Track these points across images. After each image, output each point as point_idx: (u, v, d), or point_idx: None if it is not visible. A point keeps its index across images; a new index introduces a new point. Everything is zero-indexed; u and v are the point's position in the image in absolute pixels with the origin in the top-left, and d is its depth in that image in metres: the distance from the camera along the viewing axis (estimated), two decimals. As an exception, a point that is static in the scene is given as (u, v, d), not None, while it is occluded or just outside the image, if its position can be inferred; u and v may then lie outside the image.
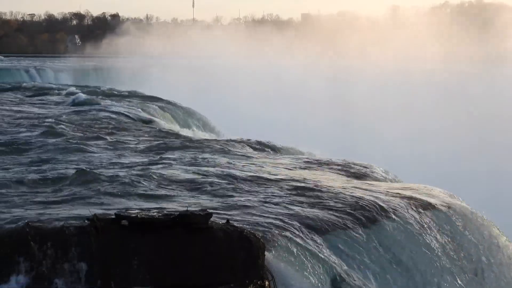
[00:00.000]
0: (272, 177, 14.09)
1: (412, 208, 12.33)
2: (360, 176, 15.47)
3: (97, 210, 10.18)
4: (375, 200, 12.39)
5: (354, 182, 14.21)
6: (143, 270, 8.76)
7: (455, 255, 11.94)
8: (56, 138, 18.10)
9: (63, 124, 21.25)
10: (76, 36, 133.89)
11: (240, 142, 19.68)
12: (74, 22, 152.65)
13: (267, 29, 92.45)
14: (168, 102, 33.19)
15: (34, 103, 29.47)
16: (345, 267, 10.24)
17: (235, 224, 9.68)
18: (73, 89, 37.51)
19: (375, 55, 64.62)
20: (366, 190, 13.13)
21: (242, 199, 12.06)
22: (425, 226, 12.04)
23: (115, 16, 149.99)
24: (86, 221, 9.14)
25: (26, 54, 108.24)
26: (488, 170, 38.85)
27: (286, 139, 21.75)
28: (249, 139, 20.31)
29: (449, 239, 12.12)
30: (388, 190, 13.30)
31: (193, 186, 12.83)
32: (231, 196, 12.26)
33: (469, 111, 50.17)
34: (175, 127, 26.82)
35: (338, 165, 16.27)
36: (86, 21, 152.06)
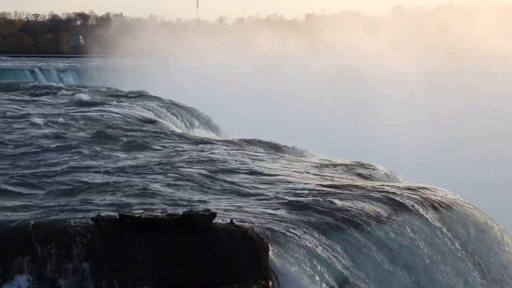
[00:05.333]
0: (278, 178, 14.10)
1: (419, 208, 12.32)
2: (364, 176, 15.47)
3: (101, 210, 10.20)
4: (381, 200, 12.40)
5: (358, 183, 14.21)
6: (146, 270, 8.78)
7: (462, 254, 11.94)
8: (59, 138, 18.12)
9: (66, 125, 21.27)
10: (80, 36, 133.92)
11: (244, 141, 19.69)
12: (78, 22, 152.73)
13: (270, 28, 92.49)
14: (172, 102, 33.17)
15: (38, 104, 29.48)
16: (351, 268, 10.24)
17: (239, 224, 9.69)
18: (77, 89, 37.53)
19: (377, 54, 64.53)
20: (370, 190, 13.13)
21: (247, 199, 12.07)
22: (433, 225, 12.04)
23: (119, 16, 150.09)
24: (90, 221, 9.17)
25: (30, 54, 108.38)
26: (493, 171, 38.74)
27: (289, 138, 21.72)
28: (253, 139, 20.31)
29: (456, 238, 12.12)
30: (391, 190, 13.29)
31: (198, 186, 12.84)
32: (236, 196, 12.28)
33: (478, 112, 49.92)
34: (179, 127, 26.83)
35: (342, 165, 16.27)
36: (90, 21, 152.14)
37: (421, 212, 12.23)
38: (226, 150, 17.56)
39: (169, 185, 12.75)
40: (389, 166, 17.12)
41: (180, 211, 9.66)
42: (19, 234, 8.83)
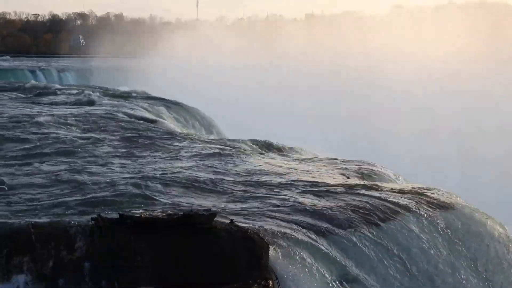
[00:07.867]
0: (277, 176, 14.09)
1: (420, 208, 12.32)
2: (366, 176, 15.46)
3: (101, 210, 10.19)
4: (383, 199, 12.38)
5: (359, 182, 14.20)
6: (147, 270, 8.77)
7: (461, 254, 11.94)
8: (60, 138, 18.11)
9: (66, 124, 21.26)
10: (80, 36, 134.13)
11: (243, 142, 19.68)
12: (78, 22, 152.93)
13: (271, 27, 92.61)
14: (172, 102, 33.20)
15: (38, 103, 29.48)
16: (351, 268, 10.23)
17: (239, 224, 9.68)
18: (76, 89, 37.55)
19: (378, 54, 64.53)
20: (372, 190, 13.11)
21: (246, 199, 12.06)
22: (433, 226, 12.04)
23: (119, 16, 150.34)
24: (90, 221, 9.15)
25: (30, 54, 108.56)
26: (494, 171, 38.77)
27: (290, 138, 21.72)
28: (253, 139, 20.31)
29: (455, 238, 12.12)
30: (393, 190, 13.29)
31: (198, 186, 12.83)
32: (235, 196, 12.27)
33: (479, 112, 49.93)
34: (180, 127, 26.82)
35: (343, 165, 16.26)
36: (90, 21, 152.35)
37: (422, 212, 12.22)
38: (226, 149, 17.55)
39: (169, 185, 12.73)
40: (390, 167, 17.11)
41: (180, 211, 9.65)
42: (19, 234, 8.81)
